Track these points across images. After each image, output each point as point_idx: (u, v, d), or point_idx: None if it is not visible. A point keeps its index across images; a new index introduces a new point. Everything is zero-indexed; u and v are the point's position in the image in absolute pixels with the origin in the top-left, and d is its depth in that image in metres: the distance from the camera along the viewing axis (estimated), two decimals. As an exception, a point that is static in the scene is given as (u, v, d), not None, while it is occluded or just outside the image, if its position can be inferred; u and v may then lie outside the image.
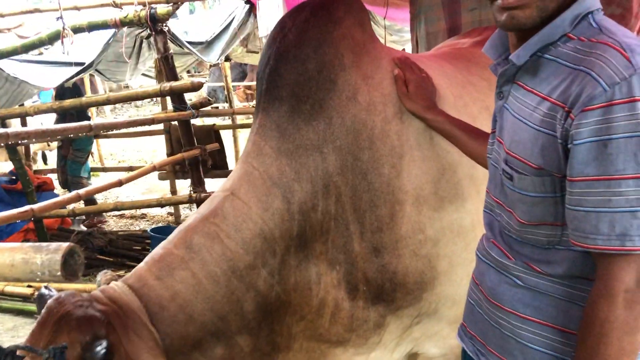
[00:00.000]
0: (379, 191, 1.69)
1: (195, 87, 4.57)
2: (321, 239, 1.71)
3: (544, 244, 1.18)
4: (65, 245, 1.07)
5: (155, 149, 10.65)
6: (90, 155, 7.03)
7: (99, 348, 1.28)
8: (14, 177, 6.51)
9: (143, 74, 6.20)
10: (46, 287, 1.45)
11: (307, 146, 1.68)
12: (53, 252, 1.04)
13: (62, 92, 5.91)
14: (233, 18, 5.52)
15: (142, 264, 1.59)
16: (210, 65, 11.16)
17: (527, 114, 1.13)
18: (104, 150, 9.87)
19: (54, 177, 7.73)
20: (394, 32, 6.33)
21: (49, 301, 1.38)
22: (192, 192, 4.99)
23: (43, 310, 1.36)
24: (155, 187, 8.09)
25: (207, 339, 1.58)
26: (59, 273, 1.04)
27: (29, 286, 4.52)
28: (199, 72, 14.78)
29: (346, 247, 1.71)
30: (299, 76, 1.68)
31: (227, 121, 9.47)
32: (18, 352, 1.14)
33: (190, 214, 6.90)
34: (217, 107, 9.25)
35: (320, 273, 1.73)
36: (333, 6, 1.76)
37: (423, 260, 1.72)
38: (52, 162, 9.35)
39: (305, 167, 1.67)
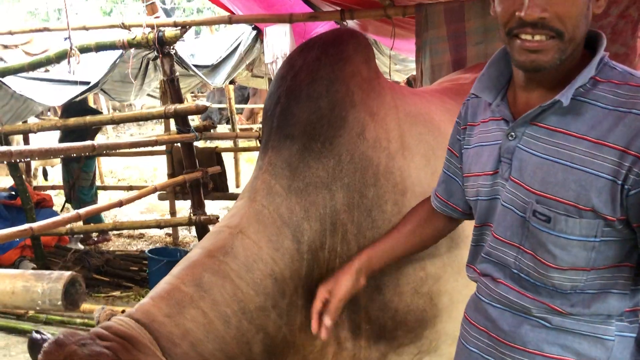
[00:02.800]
0: (382, 228, 1.68)
1: (200, 110, 4.58)
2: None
3: (566, 288, 1.19)
4: (67, 274, 1.06)
5: (155, 167, 10.65)
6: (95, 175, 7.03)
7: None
8: (14, 193, 6.50)
9: (148, 94, 6.22)
10: (37, 332, 1.34)
11: (316, 184, 1.67)
12: (55, 281, 1.03)
13: (72, 111, 5.92)
14: (239, 43, 5.56)
15: (146, 299, 1.52)
16: (213, 87, 11.23)
17: (565, 154, 1.13)
18: (104, 168, 9.87)
19: (53, 193, 7.72)
20: (398, 61, 6.38)
21: (46, 345, 1.28)
22: (192, 215, 4.97)
23: (41, 356, 1.27)
24: (154, 207, 8.07)
25: None
26: (59, 302, 1.02)
27: (24, 304, 4.48)
28: (202, 93, 14.86)
29: None
30: (311, 114, 1.69)
31: (229, 143, 9.50)
32: None
33: (188, 236, 6.92)
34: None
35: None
36: (343, 44, 1.78)
37: (424, 297, 1.71)
38: (52, 177, 9.36)
39: (315, 205, 1.67)
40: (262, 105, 12.67)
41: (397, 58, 6.20)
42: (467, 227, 1.77)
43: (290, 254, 1.63)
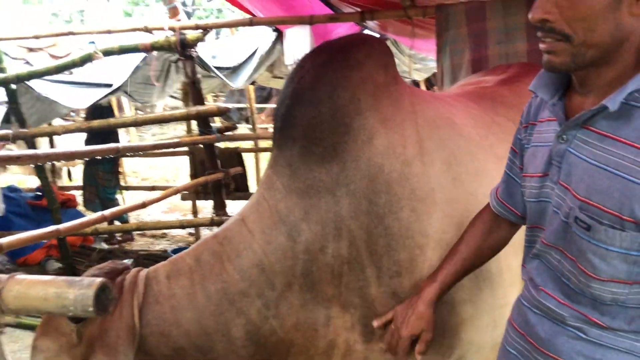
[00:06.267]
0: (397, 235, 1.66)
1: (222, 112, 4.62)
2: (333, 282, 1.70)
3: (606, 300, 1.13)
4: (97, 281, 1.09)
5: (177, 167, 10.76)
6: (119, 175, 7.16)
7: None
8: (40, 193, 6.62)
9: (170, 96, 6.29)
10: None
11: (318, 187, 1.68)
12: (86, 287, 1.05)
13: (97, 112, 6.02)
14: (260, 44, 5.59)
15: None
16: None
17: (612, 162, 1.07)
18: (127, 168, 9.98)
19: (78, 193, 7.83)
20: (418, 60, 6.36)
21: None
22: (214, 215, 5.02)
23: None
24: (176, 207, 8.15)
25: (191, 350, 1.68)
26: (90, 309, 1.05)
27: (50, 303, 4.57)
28: (222, 93, 14.92)
29: (362, 291, 1.69)
30: (312, 119, 1.69)
31: (250, 143, 9.54)
32: None
33: (210, 235, 6.97)
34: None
35: (330, 316, 1.72)
36: (353, 50, 1.77)
37: (445, 306, 1.68)
38: (76, 177, 9.49)
39: (316, 208, 1.67)
40: (282, 105, 12.69)
41: (416, 57, 6.19)
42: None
43: (282, 250, 1.66)
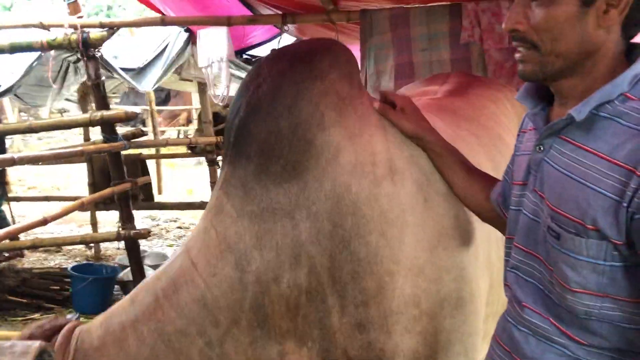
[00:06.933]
0: (365, 261, 1.51)
1: (130, 117, 4.24)
2: (288, 315, 1.54)
3: (580, 313, 1.11)
4: (34, 346, 0.86)
5: (69, 174, 10.00)
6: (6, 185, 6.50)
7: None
8: None
9: (65, 99, 5.78)
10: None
11: (275, 210, 1.51)
12: (19, 356, 0.82)
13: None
14: (167, 44, 5.25)
15: None
16: (129, 88, 10.68)
17: (581, 172, 1.09)
18: (13, 176, 9.13)
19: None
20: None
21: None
22: (120, 229, 4.62)
23: None
24: (72, 217, 7.53)
25: None
26: (27, 382, 0.81)
27: None
28: (114, 94, 14.17)
29: (322, 323, 1.54)
30: (269, 134, 1.51)
31: (151, 150, 9.08)
32: None
33: (111, 249, 6.49)
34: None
35: (284, 352, 1.57)
36: (316, 58, 1.60)
37: (417, 337, 1.56)
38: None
39: (270, 233, 1.50)
40: (183, 107, 12.24)
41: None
42: (464, 258, 1.65)
43: (229, 282, 1.50)
